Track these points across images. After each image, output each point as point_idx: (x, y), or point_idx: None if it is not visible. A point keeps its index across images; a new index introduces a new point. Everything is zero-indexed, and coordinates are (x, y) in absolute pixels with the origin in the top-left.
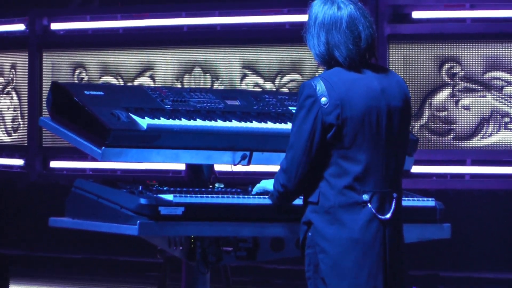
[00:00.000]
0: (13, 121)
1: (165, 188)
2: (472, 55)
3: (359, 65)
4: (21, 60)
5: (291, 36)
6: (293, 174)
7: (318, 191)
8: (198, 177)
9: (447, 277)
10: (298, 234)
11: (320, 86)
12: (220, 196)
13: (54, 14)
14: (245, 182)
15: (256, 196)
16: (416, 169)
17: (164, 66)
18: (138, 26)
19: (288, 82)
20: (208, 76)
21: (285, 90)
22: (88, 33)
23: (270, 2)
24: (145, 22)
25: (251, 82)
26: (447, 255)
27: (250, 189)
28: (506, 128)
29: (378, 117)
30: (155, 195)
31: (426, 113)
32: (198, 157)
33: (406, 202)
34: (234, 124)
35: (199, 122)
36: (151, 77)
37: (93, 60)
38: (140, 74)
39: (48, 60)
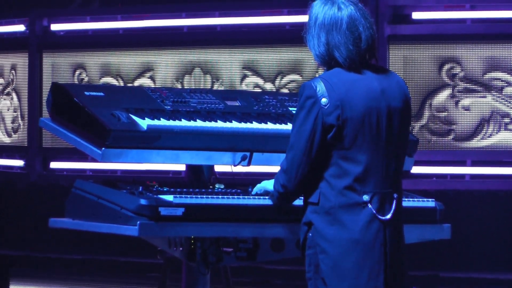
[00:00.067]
0: (13, 121)
1: (165, 189)
2: (472, 56)
3: (359, 66)
4: (21, 61)
5: (291, 36)
6: (293, 175)
7: (318, 192)
8: (198, 177)
9: (447, 278)
10: (298, 234)
11: (321, 87)
12: (220, 196)
13: (54, 15)
14: (245, 182)
15: (256, 197)
16: (416, 169)
17: (164, 67)
18: (138, 27)
19: (288, 82)
20: (208, 77)
21: (285, 90)
22: (88, 34)
23: (270, 2)
24: (145, 23)
25: (251, 82)
26: (447, 256)
27: (250, 189)
28: (506, 129)
29: (378, 118)
30: (155, 196)
31: (426, 113)
32: (198, 157)
33: (406, 202)
34: (234, 124)
35: (199, 123)
36: (151, 78)
37: (93, 60)
38: (140, 74)
39: (48, 61)
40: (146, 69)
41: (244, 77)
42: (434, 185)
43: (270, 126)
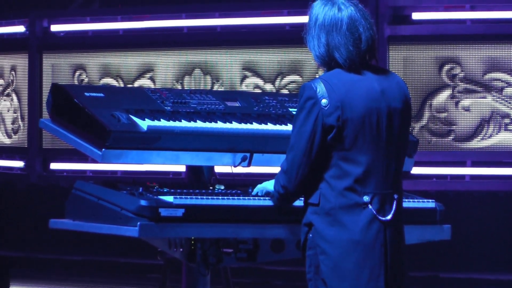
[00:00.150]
0: (13, 123)
1: (165, 190)
2: (472, 56)
3: (359, 67)
4: (21, 61)
5: (291, 37)
6: (293, 176)
7: (318, 193)
8: (198, 178)
9: (447, 278)
10: (298, 235)
11: (321, 88)
12: (220, 197)
13: (54, 16)
14: (246, 183)
15: (256, 198)
16: (416, 170)
17: (164, 68)
18: (138, 27)
19: (288, 83)
20: (208, 78)
21: (285, 91)
22: (88, 35)
23: (270, 3)
24: (145, 24)
25: (251, 83)
26: (447, 256)
27: (250, 190)
28: (506, 129)
29: (379, 119)
30: (155, 197)
31: (426, 114)
32: (199, 158)
33: (406, 203)
34: (234, 125)
35: (199, 124)
36: (151, 79)
37: (93, 61)
38: (140, 75)
39: (48, 61)
40: (146, 70)
41: (244, 77)
42: (434, 185)
43: (270, 127)
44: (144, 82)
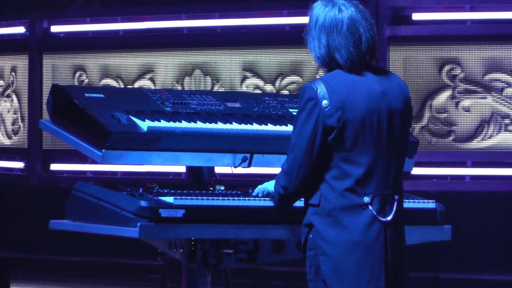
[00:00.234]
0: (13, 123)
1: (165, 191)
2: (472, 57)
3: (359, 68)
4: (21, 62)
5: (291, 38)
6: (294, 176)
7: (319, 194)
8: (198, 179)
9: (447, 279)
10: (299, 236)
11: (321, 89)
12: (220, 198)
13: (54, 17)
14: (246, 184)
15: (257, 198)
16: (416, 171)
17: (165, 69)
18: (138, 28)
19: (288, 84)
20: (208, 79)
21: (285, 92)
22: (88, 36)
23: (270, 4)
24: (145, 25)
25: (251, 84)
26: (447, 257)
27: (250, 191)
28: (506, 130)
29: (379, 119)
30: (155, 198)
31: (427, 114)
32: (199, 159)
33: (407, 204)
34: (235, 126)
35: (199, 125)
36: (152, 80)
37: (93, 62)
38: (140, 76)
39: (48, 62)
40: (146, 71)
41: (244, 78)
42: (435, 186)
43: (270, 127)
44: (144, 83)
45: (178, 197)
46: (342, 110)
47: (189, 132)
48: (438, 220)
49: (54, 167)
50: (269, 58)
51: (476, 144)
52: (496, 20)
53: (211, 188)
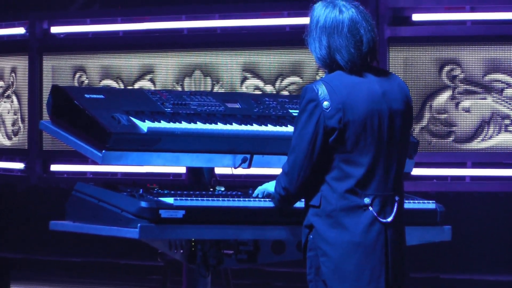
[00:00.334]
0: (13, 124)
1: (165, 191)
2: (472, 58)
3: (360, 69)
4: (21, 63)
5: (291, 38)
6: (294, 177)
7: (319, 195)
8: (198, 180)
9: (447, 279)
10: (299, 236)
11: (322, 90)
12: (220, 199)
13: (54, 18)
14: (246, 185)
15: (257, 199)
16: (416, 171)
17: (165, 69)
18: (138, 29)
19: (288, 85)
20: (209, 79)
21: (285, 93)
22: (88, 37)
23: (270, 5)
24: (145, 25)
25: (251, 85)
26: (447, 257)
27: (250, 192)
28: (506, 131)
29: (380, 121)
30: (155, 198)
31: (427, 115)
32: (199, 160)
33: (407, 204)
34: (235, 127)
35: (199, 125)
36: (152, 80)
37: (93, 63)
38: (140, 77)
39: (48, 63)
40: (146, 72)
41: (244, 79)
42: (435, 187)
43: (270, 128)
44: (144, 83)
45: (178, 198)
46: (343, 111)
47: (189, 133)
48: (438, 221)
49: (54, 168)
50: (269, 59)
51: (476, 144)
52: (496, 21)
53: (211, 189)
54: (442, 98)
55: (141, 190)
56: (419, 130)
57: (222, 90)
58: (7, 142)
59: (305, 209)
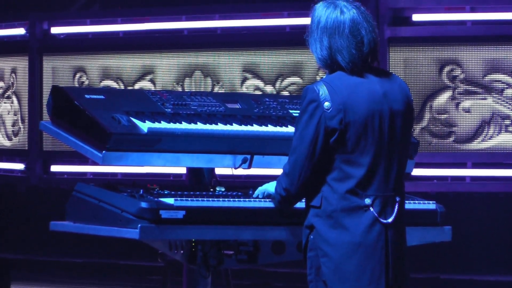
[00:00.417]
0: (13, 125)
1: (166, 192)
2: (473, 58)
3: (361, 69)
4: (22, 64)
5: (292, 39)
6: (295, 178)
7: (320, 195)
8: (199, 180)
9: (447, 280)
10: (299, 237)
11: (323, 91)
12: (221, 199)
13: (54, 18)
14: (246, 185)
15: (257, 200)
16: (417, 172)
17: (165, 70)
18: (138, 29)
19: (289, 85)
20: (209, 80)
21: (285, 93)
22: (88, 37)
23: (271, 5)
24: (145, 26)
25: (251, 85)
26: (447, 258)
27: (251, 192)
28: (506, 131)
29: (381, 121)
30: (156, 199)
31: (427, 115)
32: (199, 160)
33: (407, 205)
34: (235, 127)
35: (200, 126)
36: (152, 81)
37: (93, 64)
38: (140, 77)
39: (49, 64)
40: (146, 72)
41: (244, 79)
42: (435, 187)
43: (270, 128)
44: (145, 84)
45: (178, 198)
46: (344, 112)
47: (189, 133)
48: (438, 221)
49: (54, 168)
50: (269, 59)
51: (476, 145)
52: (496, 21)
53: (211, 189)
54: (442, 98)
55: (141, 190)
56: (420, 131)
57: (222, 91)
58: (7, 143)
59: (305, 210)
